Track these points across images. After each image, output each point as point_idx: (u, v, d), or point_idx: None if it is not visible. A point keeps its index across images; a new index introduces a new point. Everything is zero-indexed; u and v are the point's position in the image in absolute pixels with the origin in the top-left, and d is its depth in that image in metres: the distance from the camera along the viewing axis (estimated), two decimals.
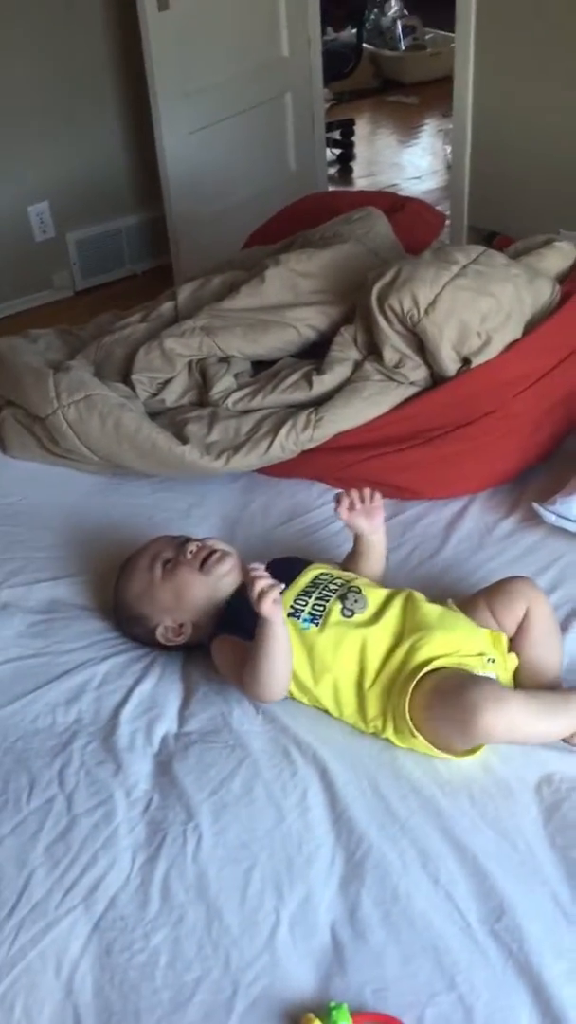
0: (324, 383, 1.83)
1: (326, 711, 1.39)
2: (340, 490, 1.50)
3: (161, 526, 1.77)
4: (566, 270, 1.92)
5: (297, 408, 1.82)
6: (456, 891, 1.16)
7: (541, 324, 1.78)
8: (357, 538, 1.53)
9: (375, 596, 1.43)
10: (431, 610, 1.40)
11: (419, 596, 1.43)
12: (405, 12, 6.23)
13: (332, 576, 1.47)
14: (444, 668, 1.32)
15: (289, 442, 1.77)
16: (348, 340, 1.86)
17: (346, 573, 1.50)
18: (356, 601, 1.41)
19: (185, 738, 1.37)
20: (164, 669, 1.50)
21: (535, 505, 1.67)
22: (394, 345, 1.79)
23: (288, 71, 3.83)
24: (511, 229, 3.29)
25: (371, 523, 1.50)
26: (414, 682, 1.30)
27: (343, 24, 5.36)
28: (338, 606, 1.40)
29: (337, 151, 5.26)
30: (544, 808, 1.25)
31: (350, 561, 1.55)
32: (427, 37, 6.15)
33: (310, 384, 1.83)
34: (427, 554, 1.70)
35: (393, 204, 2.33)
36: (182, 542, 1.52)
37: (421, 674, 1.31)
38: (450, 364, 1.76)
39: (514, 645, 1.42)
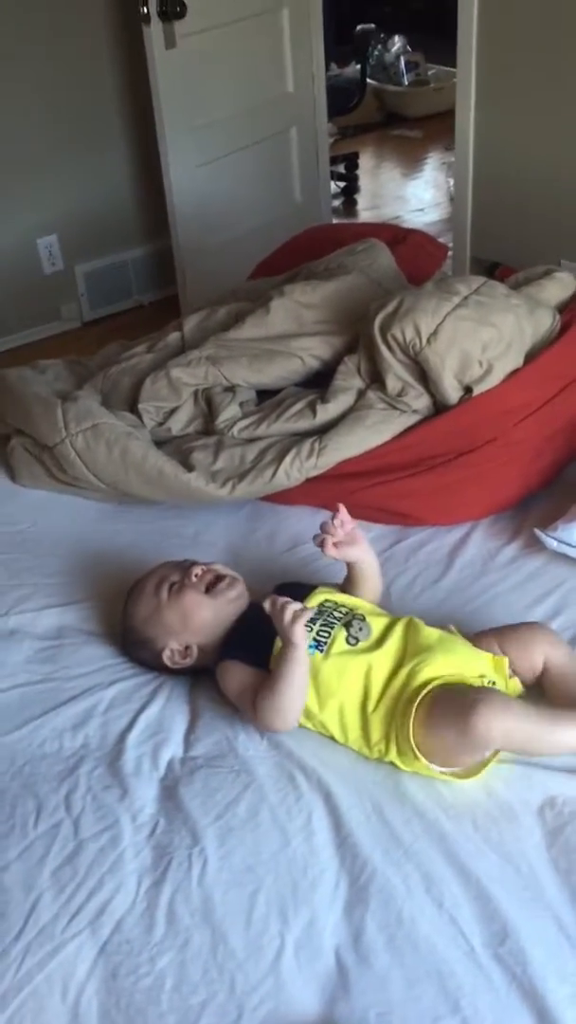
0: (328, 411, 1.85)
1: (331, 737, 1.40)
2: (318, 533, 1.51)
3: (167, 553, 1.79)
4: (566, 300, 1.95)
5: (301, 436, 1.84)
6: (460, 915, 1.17)
7: (542, 353, 1.81)
8: (350, 565, 1.55)
9: (378, 624, 1.45)
10: (431, 633, 1.42)
11: (419, 622, 1.45)
12: (408, 48, 6.33)
13: (336, 603, 1.49)
14: (445, 684, 1.33)
15: (293, 470, 1.79)
16: (351, 369, 1.89)
17: (350, 599, 1.52)
18: (360, 629, 1.43)
19: (191, 763, 1.38)
20: (170, 694, 1.51)
21: (537, 531, 1.68)
22: (397, 374, 1.82)
23: (293, 106, 3.89)
24: (513, 260, 3.33)
25: (359, 547, 1.52)
26: (416, 702, 1.31)
27: (347, 60, 5.45)
28: (343, 634, 1.42)
29: (342, 184, 5.33)
30: (547, 832, 1.26)
31: (349, 587, 1.56)
32: (430, 72, 6.24)
33: (314, 413, 1.86)
34: (430, 580, 1.72)
35: (396, 236, 2.37)
36: (188, 565, 1.54)
37: (423, 694, 1.32)
38: (452, 393, 1.79)
39: (541, 686, 1.44)
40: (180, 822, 1.29)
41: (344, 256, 2.18)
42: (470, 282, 1.83)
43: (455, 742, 1.28)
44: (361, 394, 1.87)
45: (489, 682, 1.36)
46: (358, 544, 1.52)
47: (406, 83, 6.26)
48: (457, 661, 1.37)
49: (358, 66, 5.28)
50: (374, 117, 6.21)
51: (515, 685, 1.42)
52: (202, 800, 1.32)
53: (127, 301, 3.99)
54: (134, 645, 1.54)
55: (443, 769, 1.31)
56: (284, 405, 1.91)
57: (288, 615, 1.31)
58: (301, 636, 1.31)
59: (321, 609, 1.47)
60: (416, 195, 5.37)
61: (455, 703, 1.28)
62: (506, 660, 1.42)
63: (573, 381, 1.82)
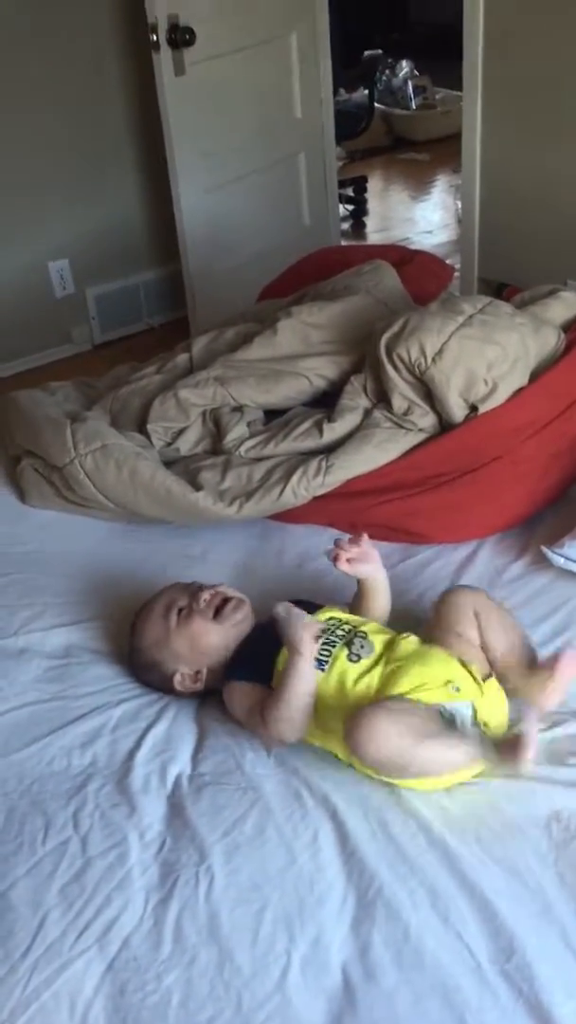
0: (335, 431, 1.87)
1: (334, 754, 1.40)
2: (330, 547, 1.55)
3: (176, 572, 1.80)
4: (571, 319, 1.96)
5: (308, 455, 1.85)
6: (466, 931, 1.16)
7: (547, 372, 1.82)
8: (361, 582, 1.57)
9: (380, 641, 1.46)
10: (407, 645, 1.44)
11: (407, 637, 1.46)
12: (416, 73, 6.39)
13: (340, 621, 1.50)
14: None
15: (301, 488, 1.80)
16: (358, 389, 1.90)
17: (354, 618, 1.53)
18: (362, 647, 1.43)
19: (198, 780, 1.39)
20: (177, 712, 1.52)
21: (543, 548, 1.69)
22: (403, 393, 1.83)
23: (301, 131, 3.94)
24: (520, 281, 3.35)
25: (371, 564, 1.55)
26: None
27: (355, 85, 5.51)
28: (344, 652, 1.43)
29: (350, 207, 5.37)
30: (554, 846, 1.26)
31: (358, 604, 1.58)
32: (437, 96, 6.30)
33: (321, 432, 1.87)
34: (437, 598, 1.72)
35: (402, 257, 2.39)
36: (195, 590, 1.54)
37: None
38: (458, 411, 1.80)
39: (484, 645, 1.45)
40: (187, 839, 1.30)
41: (351, 277, 2.20)
42: (475, 301, 1.84)
43: (359, 759, 1.30)
44: (367, 413, 1.88)
45: (454, 688, 1.36)
46: (371, 562, 1.54)
47: (414, 107, 6.32)
48: (426, 672, 1.38)
49: (366, 91, 5.34)
50: (382, 141, 6.27)
51: (491, 687, 1.41)
52: (209, 818, 1.32)
53: (138, 324, 4.02)
54: (142, 668, 1.55)
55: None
56: (291, 425, 1.93)
57: (299, 626, 1.33)
58: (308, 646, 1.33)
59: (325, 627, 1.47)
60: (424, 217, 5.41)
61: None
62: (476, 667, 1.41)
63: None
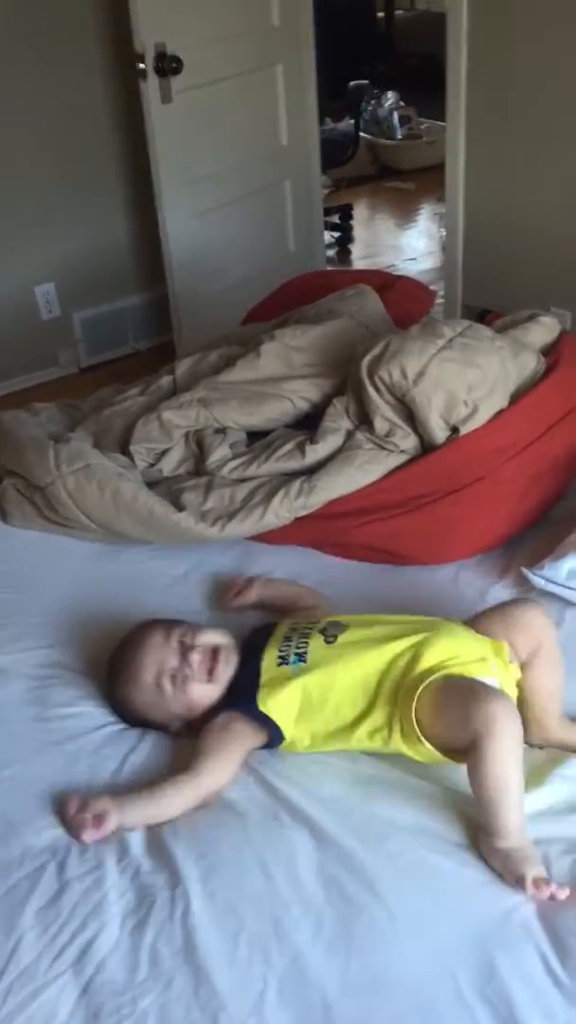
0: (317, 452, 1.87)
1: (334, 750, 1.40)
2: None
3: (158, 592, 1.80)
4: (551, 343, 1.98)
5: (291, 476, 1.86)
6: (446, 953, 1.15)
7: (526, 394, 1.83)
8: (271, 605, 1.70)
9: (354, 618, 1.49)
10: (436, 621, 1.45)
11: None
12: (401, 103, 6.49)
13: (307, 621, 1.53)
14: (449, 676, 1.34)
15: (283, 509, 1.81)
16: (340, 411, 1.91)
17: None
18: (335, 628, 1.46)
19: None
20: (158, 736, 1.50)
21: (524, 570, 1.70)
22: (384, 415, 1.84)
23: (287, 159, 3.98)
24: (504, 307, 3.37)
25: (250, 591, 1.70)
26: (420, 689, 1.32)
27: (341, 115, 5.58)
28: (320, 638, 1.45)
29: (336, 234, 5.42)
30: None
31: (293, 616, 1.61)
32: (422, 127, 6.38)
33: (303, 453, 1.88)
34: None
35: (385, 282, 2.41)
36: (180, 643, 1.48)
37: (428, 682, 1.33)
38: (439, 433, 1.81)
39: (524, 672, 1.45)
40: (164, 863, 1.28)
41: (334, 301, 2.22)
42: (455, 325, 1.86)
43: (457, 727, 1.28)
44: (350, 435, 1.89)
45: (491, 665, 1.37)
46: (249, 589, 1.70)
47: (399, 137, 6.40)
48: (457, 644, 1.39)
49: (351, 120, 5.40)
50: (368, 169, 6.35)
51: (514, 671, 1.42)
52: (186, 840, 1.31)
53: (124, 348, 4.04)
54: (132, 721, 1.51)
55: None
56: (274, 446, 1.93)
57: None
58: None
59: (293, 627, 1.50)
60: (410, 244, 5.47)
61: (467, 692, 1.30)
62: (506, 646, 1.42)
63: (558, 422, 1.85)
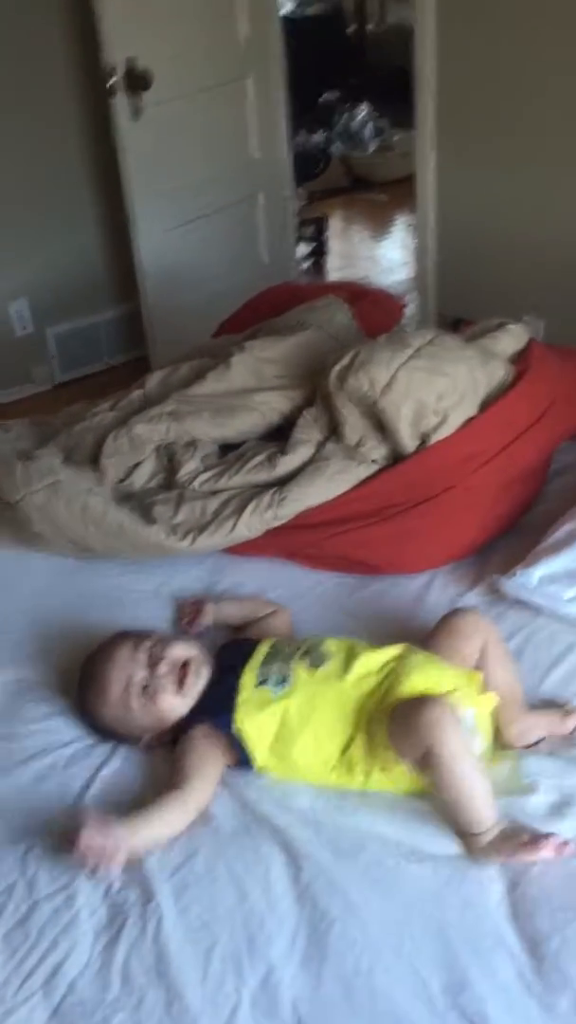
0: (288, 463, 1.87)
1: (307, 780, 1.39)
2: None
3: (130, 607, 1.79)
4: (519, 351, 1.99)
5: (262, 488, 1.85)
6: (420, 963, 1.15)
7: (496, 402, 1.84)
8: (231, 625, 1.70)
9: (336, 645, 1.47)
10: (416, 651, 1.45)
11: (403, 646, 1.47)
12: (375, 115, 6.51)
13: (287, 641, 1.51)
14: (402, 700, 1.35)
15: (254, 521, 1.80)
16: (310, 421, 1.91)
17: (298, 638, 1.53)
18: (318, 654, 1.45)
19: None
20: (128, 752, 1.49)
21: (495, 578, 1.70)
22: (354, 425, 1.84)
23: (259, 172, 3.99)
24: (477, 316, 3.36)
25: (204, 615, 1.69)
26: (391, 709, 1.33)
27: (314, 128, 5.60)
28: (304, 663, 1.44)
29: (311, 246, 5.43)
30: (508, 878, 1.25)
31: (253, 631, 1.62)
32: (395, 139, 6.40)
33: (274, 465, 1.87)
34: (394, 628, 1.71)
35: (354, 293, 2.42)
36: (149, 655, 1.47)
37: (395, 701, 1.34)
38: (408, 442, 1.81)
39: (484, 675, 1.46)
40: (136, 878, 1.27)
41: (304, 313, 2.22)
42: (423, 335, 1.87)
43: (406, 739, 1.29)
44: (320, 445, 1.89)
45: (462, 697, 1.37)
46: (206, 614, 1.70)
47: (372, 149, 6.42)
48: (432, 676, 1.39)
49: (324, 133, 5.42)
50: (342, 182, 6.36)
51: (490, 699, 1.42)
52: (159, 856, 1.30)
53: (98, 363, 4.03)
54: (101, 734, 1.50)
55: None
56: (245, 458, 1.93)
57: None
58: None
59: (274, 649, 1.48)
60: (385, 256, 5.49)
61: (406, 704, 1.32)
62: (479, 675, 1.44)
63: (527, 429, 1.85)
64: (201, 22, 3.50)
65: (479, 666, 1.47)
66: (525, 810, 1.32)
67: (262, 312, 2.39)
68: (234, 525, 1.80)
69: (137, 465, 2.00)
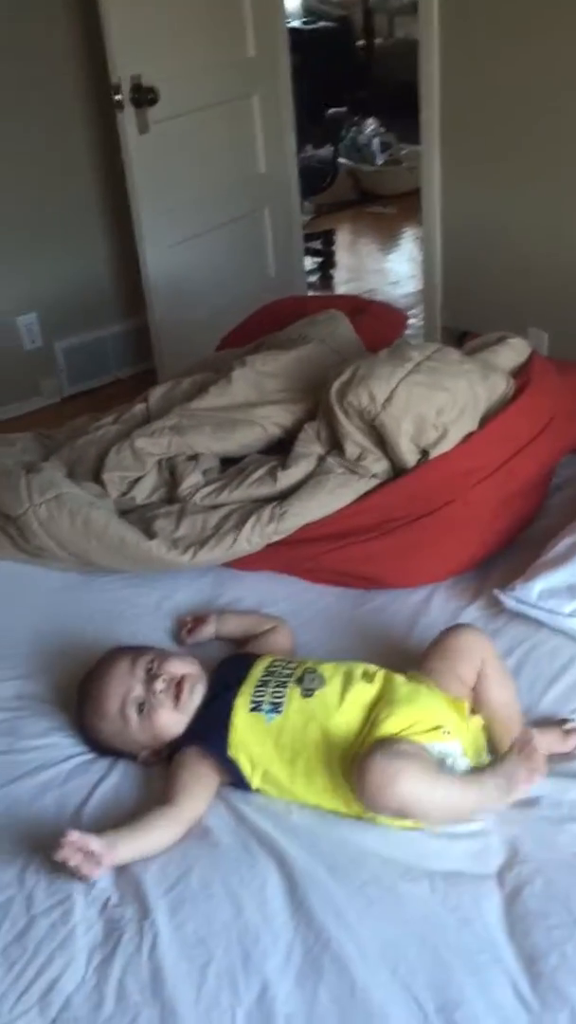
0: (289, 477, 1.87)
1: (304, 803, 1.38)
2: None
3: (131, 621, 1.80)
4: (520, 365, 1.99)
5: (263, 502, 1.86)
6: (415, 981, 1.14)
7: (496, 416, 1.84)
8: (231, 639, 1.71)
9: (331, 670, 1.45)
10: (400, 684, 1.43)
11: (392, 676, 1.45)
12: (382, 129, 6.55)
13: (284, 663, 1.49)
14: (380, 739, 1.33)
15: (254, 535, 1.80)
16: (311, 436, 1.92)
17: (296, 658, 1.52)
18: (313, 680, 1.43)
19: None
20: (127, 767, 1.49)
21: (495, 592, 1.69)
22: (355, 439, 1.84)
23: (266, 187, 4.01)
24: (483, 329, 3.37)
25: (205, 627, 1.71)
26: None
27: (321, 141, 5.63)
28: (297, 689, 1.42)
29: (318, 260, 5.45)
30: (505, 895, 1.24)
31: (253, 647, 1.62)
32: (403, 152, 6.44)
33: (275, 479, 1.88)
34: (395, 642, 1.71)
35: (356, 306, 2.42)
36: (147, 671, 1.47)
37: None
38: (409, 456, 1.81)
39: (477, 693, 1.46)
40: (132, 895, 1.27)
41: (305, 327, 2.23)
42: (423, 348, 1.87)
43: (364, 801, 1.28)
44: (321, 460, 1.89)
45: (445, 731, 1.36)
46: (206, 624, 1.72)
47: (380, 163, 6.45)
48: (415, 712, 1.37)
49: (332, 147, 5.44)
50: (350, 195, 6.39)
51: (476, 724, 1.41)
52: (155, 872, 1.30)
53: (106, 376, 4.05)
54: (98, 749, 1.51)
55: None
56: (246, 472, 1.94)
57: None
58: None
59: (270, 670, 1.47)
60: (392, 269, 5.50)
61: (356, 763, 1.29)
62: (465, 704, 1.43)
63: (528, 443, 1.85)
64: (208, 38, 3.53)
65: (476, 686, 1.46)
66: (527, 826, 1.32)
67: (264, 326, 2.40)
68: (235, 539, 1.80)
69: (139, 479, 2.00)
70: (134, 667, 1.48)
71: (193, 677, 1.49)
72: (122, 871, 1.31)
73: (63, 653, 1.72)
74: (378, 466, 1.85)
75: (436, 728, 1.36)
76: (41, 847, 1.35)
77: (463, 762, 1.36)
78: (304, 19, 7.40)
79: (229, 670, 1.51)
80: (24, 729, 1.57)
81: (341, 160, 5.71)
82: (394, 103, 6.47)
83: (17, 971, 1.20)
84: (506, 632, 1.69)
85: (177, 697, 1.46)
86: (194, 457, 2.01)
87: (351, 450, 1.86)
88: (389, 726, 1.35)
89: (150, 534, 1.83)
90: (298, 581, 1.88)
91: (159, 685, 1.46)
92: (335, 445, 1.89)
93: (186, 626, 1.74)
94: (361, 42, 8.04)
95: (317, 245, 5.47)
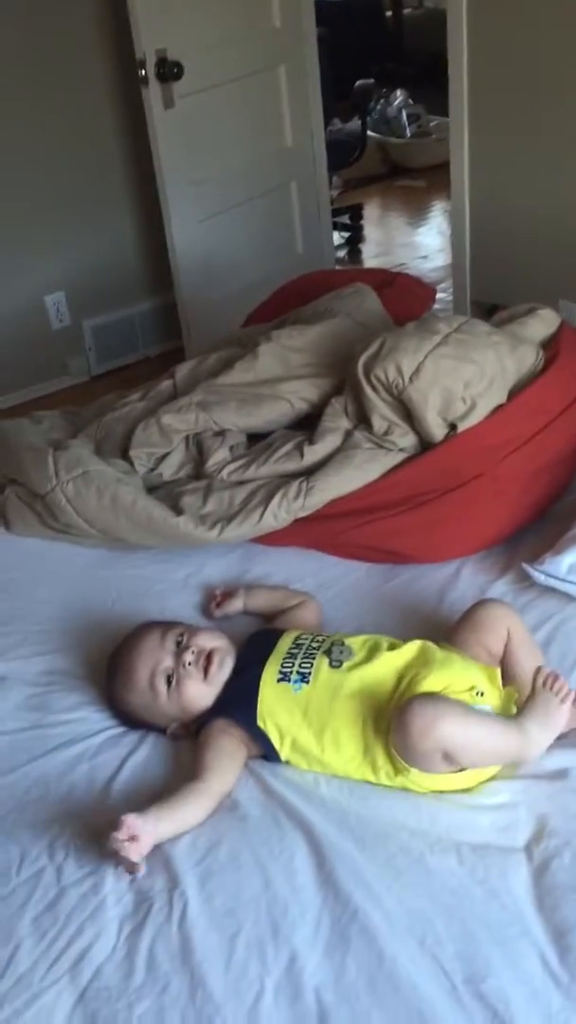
0: (315, 452, 1.86)
1: (332, 774, 1.38)
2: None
3: (159, 597, 1.80)
4: (550, 336, 1.96)
5: (289, 478, 1.85)
6: (442, 953, 1.15)
7: (525, 389, 1.81)
8: (260, 614, 1.71)
9: (360, 644, 1.46)
10: (434, 650, 1.44)
11: (428, 644, 1.46)
12: (410, 101, 6.46)
13: (312, 636, 1.50)
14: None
15: (281, 511, 1.80)
16: (338, 410, 1.90)
17: (324, 632, 1.52)
18: (341, 652, 1.44)
19: None
20: (157, 740, 1.50)
21: (524, 566, 1.68)
22: (382, 413, 1.83)
23: (292, 161, 3.97)
24: (513, 302, 3.33)
25: (233, 601, 1.71)
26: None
27: (349, 115, 5.57)
28: (325, 660, 1.43)
29: (346, 234, 5.41)
30: (534, 868, 1.24)
31: (282, 622, 1.62)
32: (432, 124, 6.35)
33: (302, 454, 1.87)
34: (423, 617, 1.71)
35: (383, 280, 2.40)
36: (176, 643, 1.48)
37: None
38: (436, 430, 1.80)
39: (505, 665, 1.47)
40: (161, 866, 1.28)
41: (331, 301, 2.21)
42: (451, 321, 1.85)
43: (405, 749, 1.28)
44: (348, 434, 1.88)
45: (478, 693, 1.36)
46: (236, 599, 1.72)
47: (408, 135, 6.37)
48: (449, 675, 1.38)
49: (359, 120, 5.39)
50: (379, 169, 6.33)
51: (510, 692, 1.41)
52: (184, 844, 1.30)
53: (134, 354, 4.05)
54: (128, 722, 1.52)
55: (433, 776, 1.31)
56: (273, 448, 1.93)
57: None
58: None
59: (298, 642, 1.48)
60: (422, 242, 5.45)
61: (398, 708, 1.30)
62: (498, 671, 1.43)
63: (558, 416, 1.83)
64: (233, 10, 3.50)
65: (504, 658, 1.46)
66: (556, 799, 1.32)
67: (291, 301, 2.39)
68: (262, 515, 1.80)
69: (166, 455, 2.01)
70: (163, 640, 1.49)
71: (222, 651, 1.49)
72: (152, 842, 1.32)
73: (92, 629, 1.73)
74: (405, 440, 1.84)
75: (470, 689, 1.36)
76: (72, 819, 1.37)
77: None
78: None
79: (257, 644, 1.52)
80: (54, 704, 1.59)
81: (369, 133, 5.65)
82: (423, 74, 6.39)
83: (48, 940, 1.21)
84: (535, 606, 1.68)
85: (206, 669, 1.46)
86: (221, 433, 2.01)
87: (378, 424, 1.84)
88: (426, 686, 1.35)
89: (177, 510, 1.83)
90: (325, 556, 1.87)
91: (188, 657, 1.47)
92: (362, 419, 1.88)
93: (215, 599, 1.74)
94: (389, 12, 7.93)
95: (345, 220, 5.43)
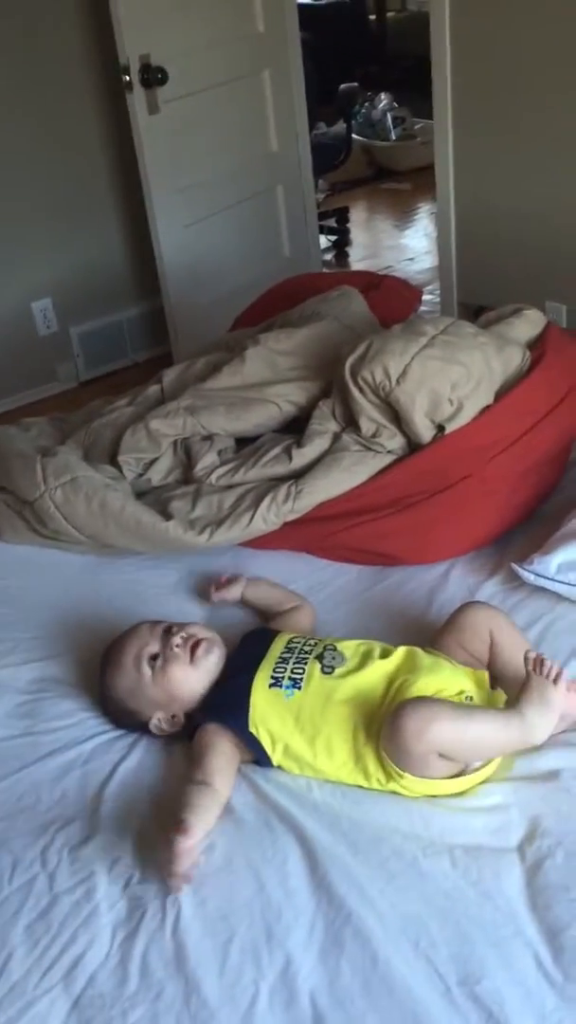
0: (304, 455, 1.87)
1: (325, 779, 1.38)
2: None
3: (150, 602, 1.80)
4: (536, 337, 1.97)
5: (278, 481, 1.85)
6: (436, 955, 1.15)
7: (512, 390, 1.82)
8: (254, 607, 1.72)
9: (351, 649, 1.46)
10: (422, 656, 1.44)
11: (414, 650, 1.46)
12: (395, 104, 6.48)
13: (304, 639, 1.50)
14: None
15: (271, 514, 1.80)
16: (326, 413, 1.91)
17: (316, 636, 1.52)
18: (334, 658, 1.44)
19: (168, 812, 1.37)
20: (149, 745, 1.50)
21: (514, 566, 1.68)
22: (370, 416, 1.83)
23: (278, 165, 3.98)
24: (499, 303, 3.35)
25: (234, 587, 1.72)
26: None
27: (334, 119, 5.58)
28: (317, 666, 1.43)
29: (333, 237, 5.42)
30: (527, 868, 1.24)
31: (276, 623, 1.62)
32: (416, 127, 6.37)
33: (290, 457, 1.87)
34: (413, 619, 1.71)
35: (369, 282, 2.40)
36: (165, 629, 1.51)
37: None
38: (424, 432, 1.80)
39: (493, 665, 1.47)
40: (154, 872, 1.28)
41: (318, 304, 2.21)
42: (437, 323, 1.85)
43: (399, 753, 1.28)
44: (336, 437, 1.88)
45: (467, 697, 1.36)
46: (236, 586, 1.72)
47: (393, 138, 6.39)
48: (439, 680, 1.38)
49: (344, 124, 5.40)
50: (364, 172, 6.34)
51: (498, 697, 1.41)
52: None
53: (122, 360, 4.05)
54: (116, 714, 1.52)
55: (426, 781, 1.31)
56: (261, 451, 1.93)
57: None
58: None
59: (290, 647, 1.48)
60: (408, 245, 5.46)
61: (389, 716, 1.29)
62: (486, 675, 1.43)
63: (545, 416, 1.83)
64: (216, 15, 3.50)
65: (492, 659, 1.46)
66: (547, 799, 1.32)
67: (278, 304, 2.39)
68: (251, 519, 1.80)
69: (154, 460, 2.00)
70: (154, 628, 1.52)
71: (211, 641, 1.50)
72: (145, 848, 1.31)
73: (82, 636, 1.73)
74: (393, 442, 1.84)
75: (459, 694, 1.37)
76: (64, 826, 1.37)
77: None
78: None
79: (250, 645, 1.52)
80: (45, 711, 1.58)
81: (354, 136, 5.66)
82: (407, 78, 6.41)
83: (41, 948, 1.21)
84: (525, 606, 1.68)
85: (193, 653, 1.47)
86: (209, 438, 2.00)
87: (366, 427, 1.85)
88: (415, 691, 1.35)
89: (166, 515, 1.83)
90: (315, 559, 1.88)
91: (176, 640, 1.48)
92: (350, 422, 1.88)
93: (217, 583, 1.74)
94: (373, 16, 7.96)
95: (332, 223, 5.44)
